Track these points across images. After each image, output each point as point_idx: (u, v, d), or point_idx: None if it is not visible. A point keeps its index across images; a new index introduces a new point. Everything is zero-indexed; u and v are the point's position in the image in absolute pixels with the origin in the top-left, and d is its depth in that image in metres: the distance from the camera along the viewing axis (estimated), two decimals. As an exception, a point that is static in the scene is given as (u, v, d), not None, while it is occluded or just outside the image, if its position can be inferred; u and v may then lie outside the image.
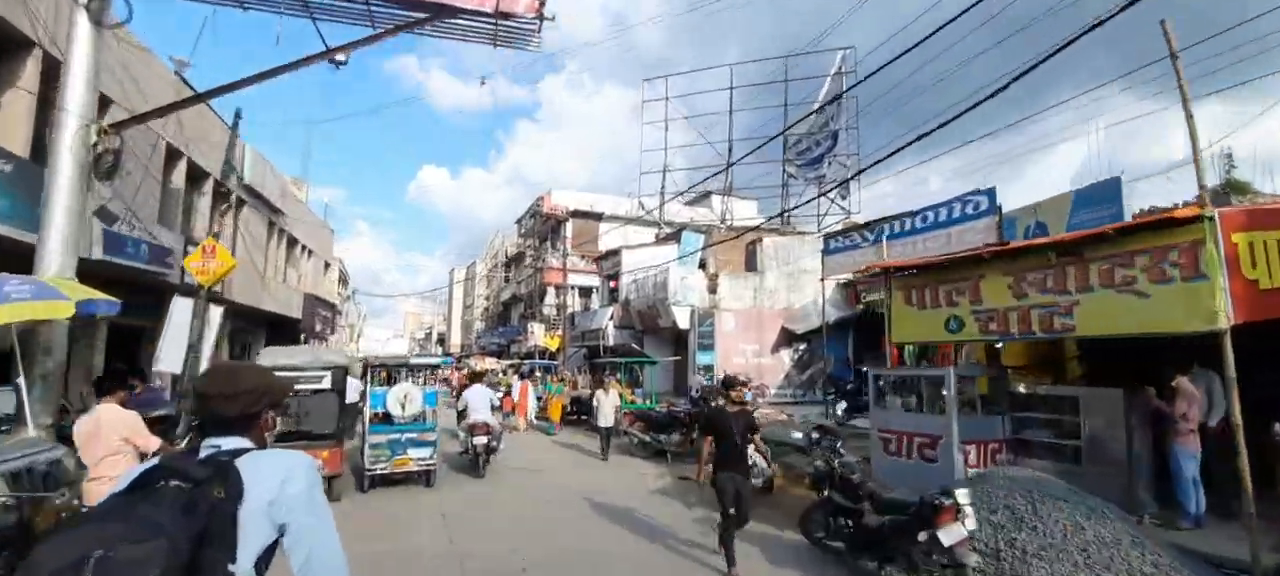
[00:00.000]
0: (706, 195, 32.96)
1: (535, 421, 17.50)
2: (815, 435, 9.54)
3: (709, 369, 20.02)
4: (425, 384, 10.97)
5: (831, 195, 28.52)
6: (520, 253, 44.73)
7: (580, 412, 16.76)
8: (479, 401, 10.33)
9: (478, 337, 55.54)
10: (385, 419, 8.82)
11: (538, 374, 21.92)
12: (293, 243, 23.03)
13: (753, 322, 20.77)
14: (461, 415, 11.13)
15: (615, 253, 24.35)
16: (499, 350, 42.79)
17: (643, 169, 30.57)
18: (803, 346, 21.03)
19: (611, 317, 23.04)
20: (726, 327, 20.44)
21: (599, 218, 33.64)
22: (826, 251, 13.71)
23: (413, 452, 8.30)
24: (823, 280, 14.42)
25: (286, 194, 21.74)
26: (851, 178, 23.56)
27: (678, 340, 21.95)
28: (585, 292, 33.02)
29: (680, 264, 22.95)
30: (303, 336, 25.88)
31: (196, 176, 15.16)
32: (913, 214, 12.39)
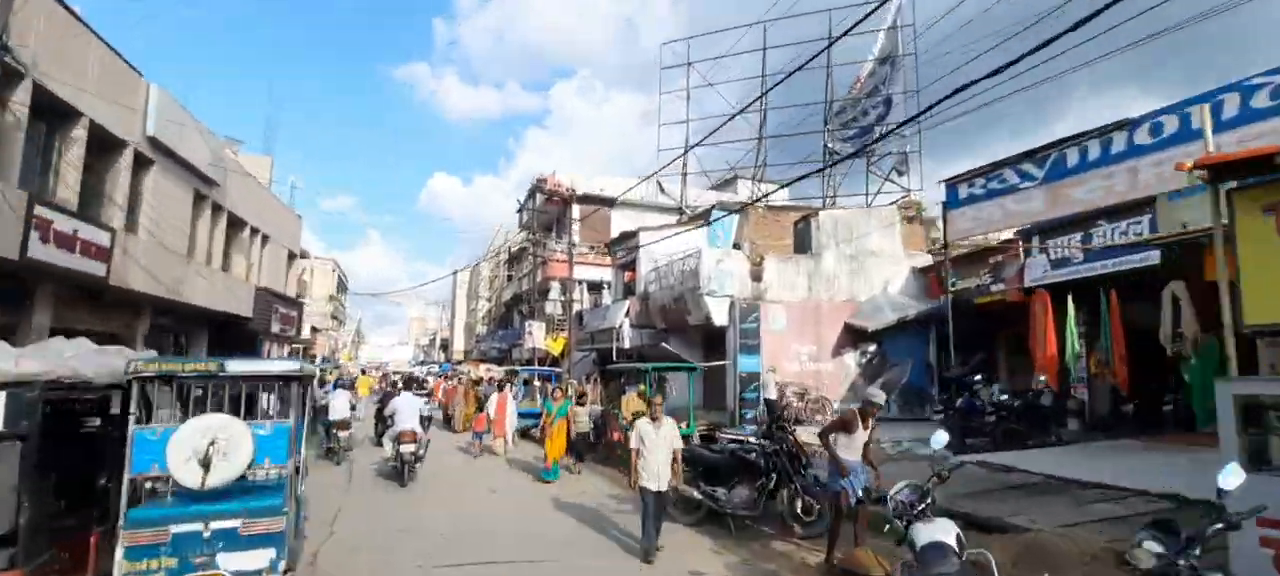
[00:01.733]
0: (733, 180, 28.56)
1: (512, 451, 13.18)
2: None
3: (753, 377, 15.58)
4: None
5: (877, 166, 24.09)
6: (522, 248, 40.58)
7: (598, 441, 12.44)
8: (407, 409, 10.21)
9: (478, 342, 51.41)
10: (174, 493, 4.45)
11: (537, 384, 17.53)
12: (236, 223, 18.85)
13: (808, 318, 16.33)
14: (386, 423, 10.89)
15: (631, 236, 20.01)
16: (500, 355, 38.52)
17: (661, 146, 26.25)
18: (871, 348, 16.55)
19: (627, 314, 18.70)
20: (775, 324, 16.01)
21: (610, 203, 29.25)
22: (953, 203, 9.24)
23: (231, 559, 3.87)
24: (944, 247, 9.97)
25: (226, 164, 17.53)
26: (906, 120, 19.07)
27: (710, 341, 17.55)
28: (595, 288, 28.70)
29: (714, 246, 18.60)
30: (260, 339, 21.68)
31: (57, 112, 10.99)
32: (1082, 136, 7.96)
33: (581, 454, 11.40)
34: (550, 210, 29.22)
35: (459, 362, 46.83)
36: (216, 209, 17.27)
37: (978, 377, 12.03)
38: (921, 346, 16.88)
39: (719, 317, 16.05)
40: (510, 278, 45.23)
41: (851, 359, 16.53)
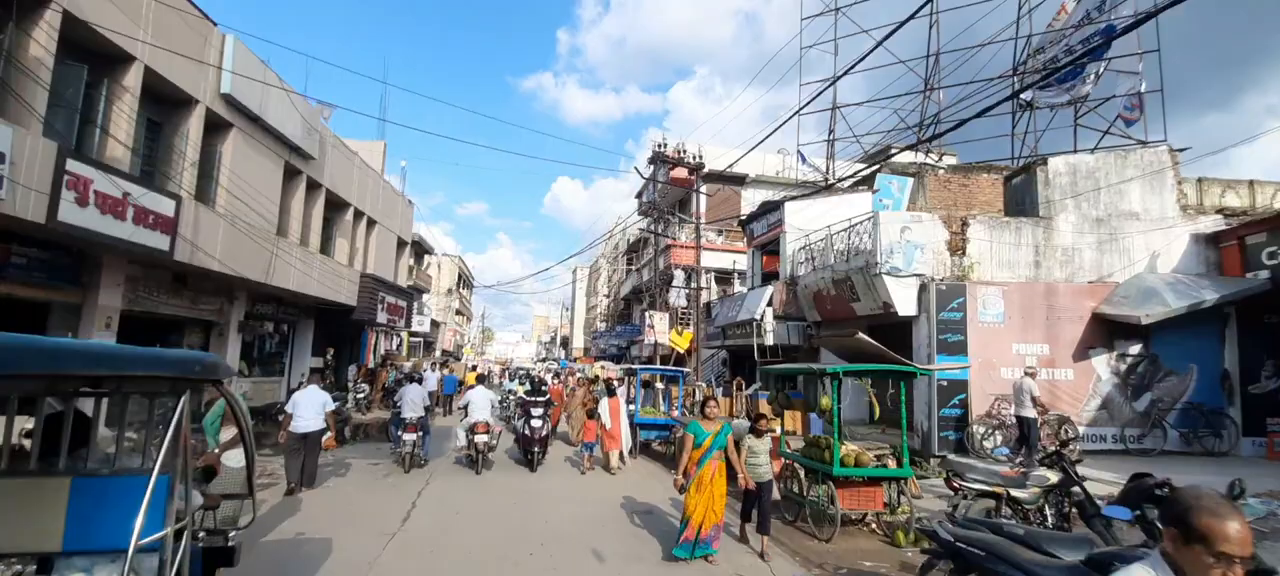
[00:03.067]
0: (885, 153, 23.62)
1: (626, 468, 9.95)
2: None
3: (959, 387, 11.27)
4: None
5: (1094, 117, 18.27)
6: (641, 238, 37.88)
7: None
8: (480, 401, 10.54)
9: (596, 338, 49.70)
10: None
11: (661, 387, 14.30)
12: (337, 204, 17.44)
13: (1035, 304, 11.65)
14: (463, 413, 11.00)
15: (774, 208, 16.20)
16: (617, 353, 36.03)
17: (802, 105, 22.01)
18: (1134, 349, 11.53)
19: (769, 303, 14.93)
20: (988, 312, 11.52)
21: (740, 181, 25.59)
22: None
23: None
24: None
25: (324, 137, 16.02)
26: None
27: (888, 336, 13.26)
28: (723, 278, 25.10)
29: (885, 209, 14.37)
30: (366, 331, 20.41)
31: (100, 54, 9.34)
32: None
33: (763, 520, 6.32)
34: (672, 191, 25.98)
35: (575, 359, 45.14)
36: (313, 186, 15.78)
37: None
38: (1212, 347, 11.58)
39: (904, 304, 11.84)
40: (629, 270, 42.84)
41: (1103, 363, 11.61)
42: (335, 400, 15.78)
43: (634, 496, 8.94)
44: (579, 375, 31.14)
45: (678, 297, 23.28)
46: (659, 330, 15.98)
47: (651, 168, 17.91)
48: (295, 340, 17.92)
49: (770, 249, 17.61)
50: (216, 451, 6.68)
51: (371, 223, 19.82)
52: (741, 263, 24.01)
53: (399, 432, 10.51)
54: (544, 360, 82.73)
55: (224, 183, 11.97)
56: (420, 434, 10.56)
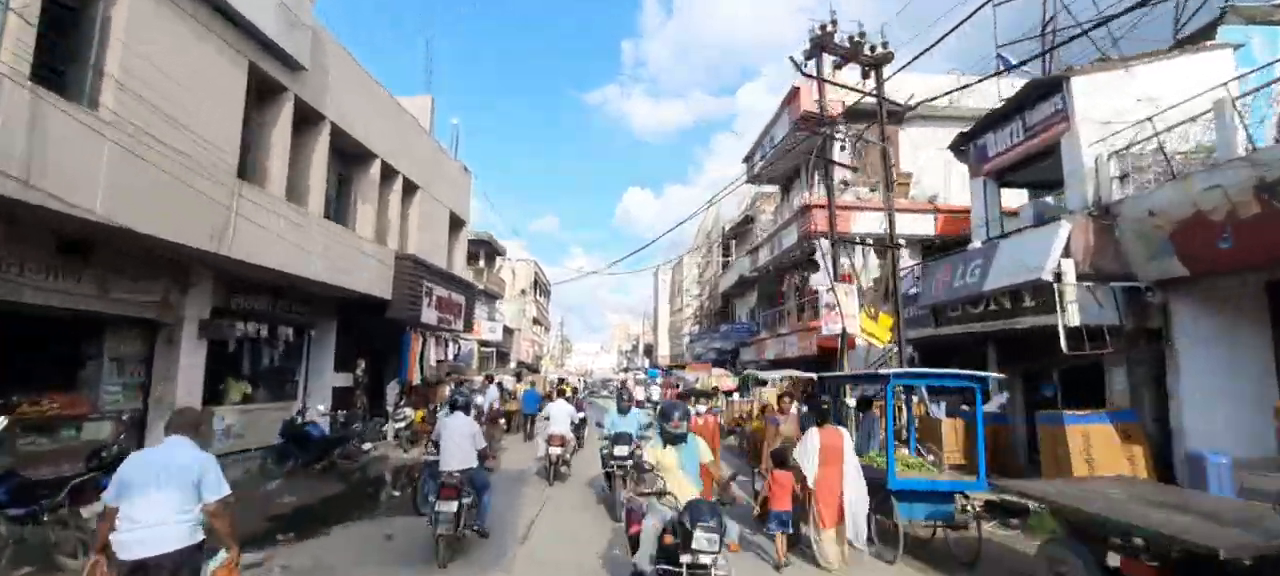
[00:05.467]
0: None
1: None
2: None
3: None
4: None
5: None
6: (746, 219, 31.51)
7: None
8: (559, 415, 10.54)
9: (688, 344, 43.67)
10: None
11: (876, 412, 8.03)
12: (354, 156, 12.28)
13: None
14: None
15: (1045, 91, 9.48)
16: (722, 359, 29.67)
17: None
18: None
19: (1067, 252, 8.26)
20: None
21: (899, 118, 18.78)
22: None
23: None
24: None
25: (318, 38, 10.85)
26: None
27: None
28: (880, 249, 18.39)
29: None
30: (409, 329, 15.13)
31: None
32: None
33: None
34: (798, 144, 19.41)
35: (678, 366, 39.08)
36: (309, 117, 10.57)
37: None
38: None
39: None
40: (726, 262, 36.53)
41: None
42: (354, 431, 10.41)
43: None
44: (680, 387, 25.03)
45: (822, 280, 16.74)
46: (848, 311, 9.54)
47: (812, 63, 11.55)
48: (311, 349, 12.87)
49: (1017, 173, 10.88)
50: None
51: (411, 188, 14.62)
52: (911, 225, 17.31)
53: (431, 498, 6.11)
54: (627, 370, 77.56)
55: (114, 71, 6.76)
56: (470, 498, 6.14)
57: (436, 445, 6.62)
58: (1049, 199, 10.82)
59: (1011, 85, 11.66)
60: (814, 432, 6.03)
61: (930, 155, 18.85)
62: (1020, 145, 10.04)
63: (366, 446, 11.55)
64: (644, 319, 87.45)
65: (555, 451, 10.09)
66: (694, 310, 44.87)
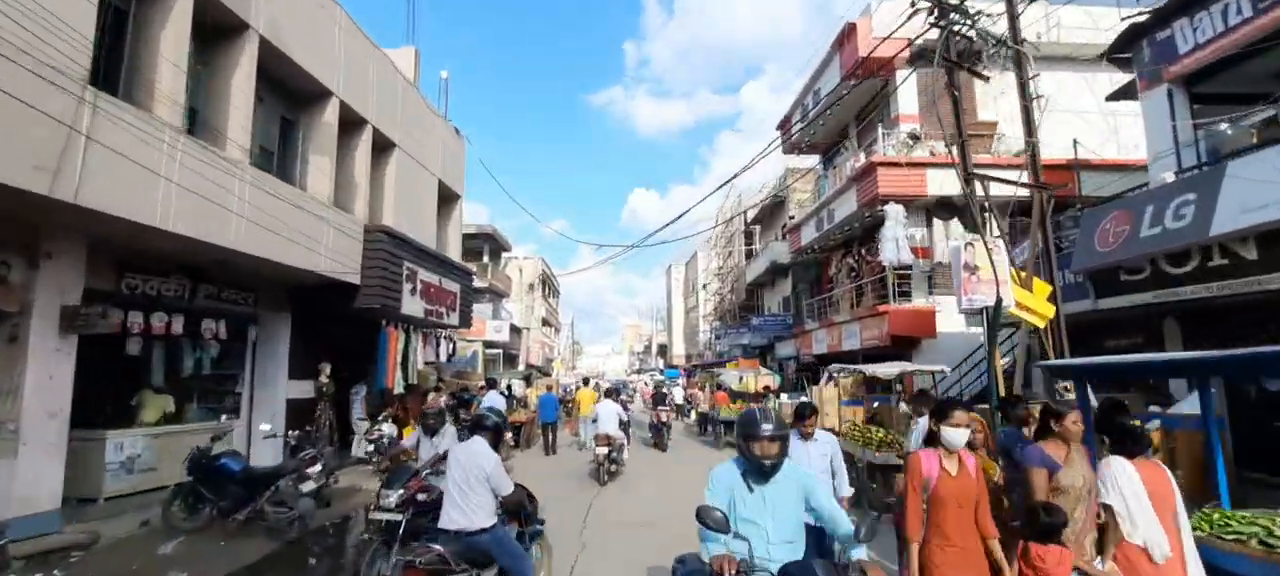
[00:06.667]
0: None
1: None
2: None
3: None
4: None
5: None
6: (776, 201, 28.41)
7: None
8: (607, 414, 10.74)
9: (710, 341, 40.50)
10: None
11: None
12: (302, 94, 9.28)
13: None
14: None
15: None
16: (748, 355, 26.42)
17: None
18: None
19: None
20: None
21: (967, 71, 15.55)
22: None
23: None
24: None
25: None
26: None
27: None
28: (944, 212, 15.45)
29: None
30: (386, 323, 12.05)
31: None
32: None
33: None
34: (849, 92, 16.23)
35: (705, 365, 35.86)
36: (225, 22, 7.60)
37: None
38: None
39: None
40: (749, 252, 33.43)
41: None
42: (304, 458, 7.31)
43: None
44: (704, 387, 21.97)
45: (900, 249, 13.65)
46: (1000, 278, 6.44)
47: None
48: (257, 349, 9.88)
49: (1216, 79, 7.72)
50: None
51: (385, 144, 11.61)
52: (997, 187, 14.15)
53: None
54: (639, 371, 74.38)
55: None
56: None
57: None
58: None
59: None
60: (1125, 467, 3.00)
61: (1013, 103, 15.74)
62: (1244, 26, 6.87)
63: (329, 479, 8.51)
64: (655, 320, 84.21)
65: (602, 451, 10.26)
66: (713, 305, 41.70)
